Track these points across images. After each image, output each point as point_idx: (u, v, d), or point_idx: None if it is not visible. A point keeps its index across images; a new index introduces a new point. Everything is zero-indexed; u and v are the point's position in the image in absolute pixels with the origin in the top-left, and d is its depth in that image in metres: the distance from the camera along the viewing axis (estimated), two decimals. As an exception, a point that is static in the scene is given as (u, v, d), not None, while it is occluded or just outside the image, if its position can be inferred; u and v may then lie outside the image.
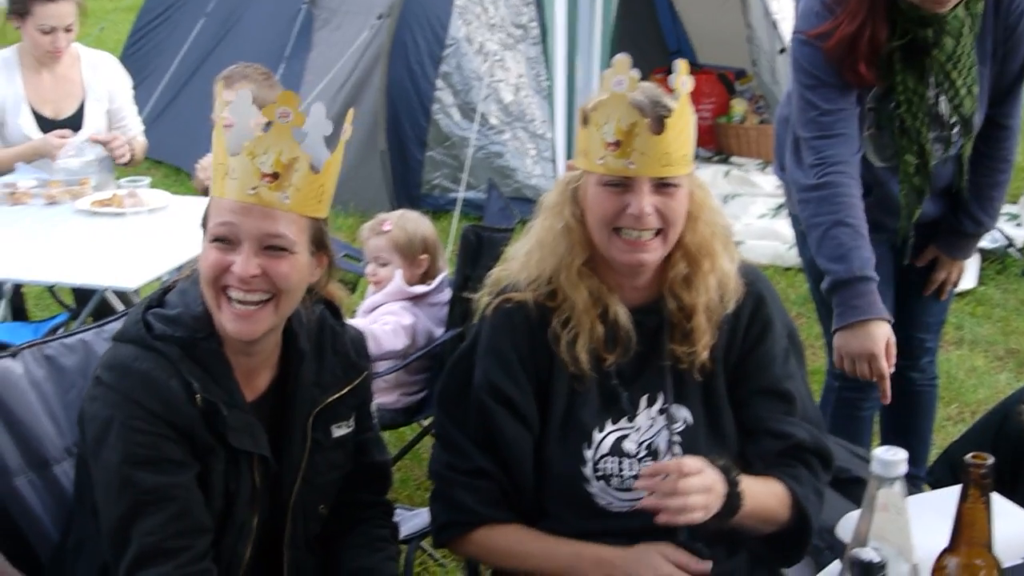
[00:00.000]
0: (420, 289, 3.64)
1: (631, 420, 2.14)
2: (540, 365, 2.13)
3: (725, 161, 8.37)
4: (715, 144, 8.66)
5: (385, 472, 2.31)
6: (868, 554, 1.32)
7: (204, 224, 1.96)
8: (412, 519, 2.62)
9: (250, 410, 2.02)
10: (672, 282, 2.11)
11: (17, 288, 4.49)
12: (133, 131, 4.75)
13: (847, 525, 2.08)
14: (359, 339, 2.22)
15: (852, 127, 2.80)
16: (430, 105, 7.15)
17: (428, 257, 3.65)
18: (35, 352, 2.26)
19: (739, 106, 8.59)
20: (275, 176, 1.85)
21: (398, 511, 2.69)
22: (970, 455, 1.51)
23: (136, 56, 8.71)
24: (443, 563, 3.59)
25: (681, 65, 2.00)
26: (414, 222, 3.68)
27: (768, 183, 7.81)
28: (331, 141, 1.92)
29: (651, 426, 2.14)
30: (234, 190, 1.87)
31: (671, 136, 1.98)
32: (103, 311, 3.69)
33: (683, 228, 2.08)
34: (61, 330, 4.05)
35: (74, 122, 4.58)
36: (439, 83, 7.15)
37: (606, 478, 2.13)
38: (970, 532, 1.54)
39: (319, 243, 1.99)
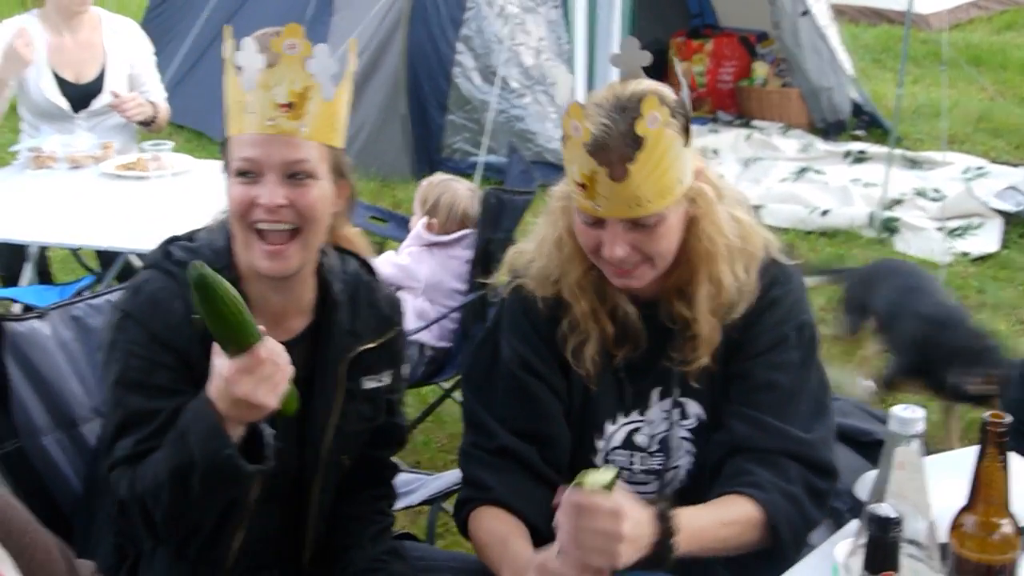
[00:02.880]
0: (433, 238, 3.79)
1: (643, 413, 2.11)
2: (558, 352, 2.09)
3: (747, 125, 8.33)
4: (736, 108, 8.63)
5: (401, 436, 2.33)
6: (885, 509, 1.32)
7: (226, 166, 1.98)
8: (434, 482, 2.64)
9: None
10: (669, 291, 2.04)
11: (42, 251, 4.52)
12: (155, 97, 4.75)
13: (865, 484, 2.09)
14: (393, 296, 2.24)
15: None
16: (451, 68, 7.14)
17: (442, 222, 3.81)
18: (62, 313, 2.30)
19: (760, 69, 8.55)
20: (290, 106, 1.88)
21: (420, 476, 2.73)
22: (988, 414, 1.52)
23: (158, 21, 8.70)
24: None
25: (648, 101, 1.82)
26: (441, 188, 3.83)
27: (789, 147, 7.78)
28: (337, 76, 1.95)
29: (664, 419, 2.10)
30: (252, 123, 1.90)
31: (638, 179, 1.85)
32: (127, 274, 3.72)
33: (682, 239, 1.98)
34: (86, 292, 4.08)
35: (95, 86, 4.59)
36: (459, 46, 7.14)
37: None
38: (988, 491, 1.54)
39: (339, 171, 2.02)
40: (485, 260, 3.50)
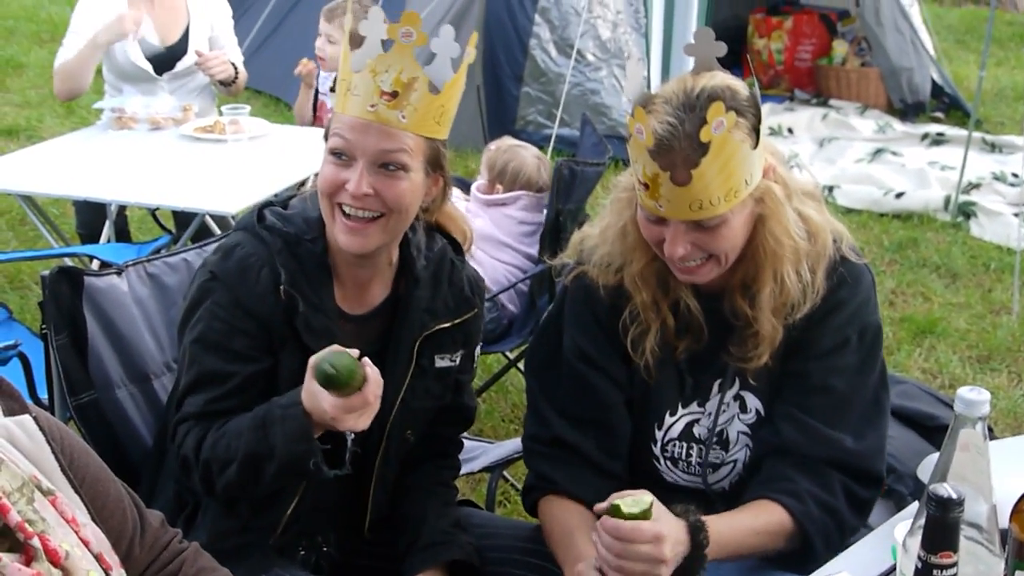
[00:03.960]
0: (486, 196, 3.87)
1: (702, 405, 2.09)
2: (620, 341, 2.07)
3: (824, 104, 8.23)
4: (814, 86, 8.52)
5: (469, 416, 2.35)
6: (946, 489, 1.32)
7: (326, 135, 2.00)
8: (495, 450, 2.66)
9: (353, 321, 2.08)
10: (734, 286, 2.01)
11: (121, 210, 4.61)
12: (234, 59, 4.81)
13: (927, 466, 2.08)
14: (477, 278, 2.25)
15: None
16: (527, 40, 7.13)
17: (507, 187, 3.88)
18: (139, 270, 2.35)
19: (840, 48, 8.43)
20: (394, 95, 1.88)
21: (482, 443, 2.75)
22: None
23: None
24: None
25: (715, 107, 1.77)
26: (509, 154, 3.86)
27: (866, 127, 7.68)
28: (455, 63, 1.94)
29: (723, 411, 2.08)
30: (354, 106, 1.91)
31: (701, 184, 1.82)
32: (202, 235, 3.77)
33: (747, 238, 1.95)
34: (163, 251, 4.16)
35: (179, 48, 4.65)
36: (537, 18, 7.12)
37: (673, 460, 2.11)
38: (1052, 477, 1.53)
39: (435, 163, 2.02)
40: (555, 231, 3.51)
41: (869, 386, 2.05)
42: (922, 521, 1.44)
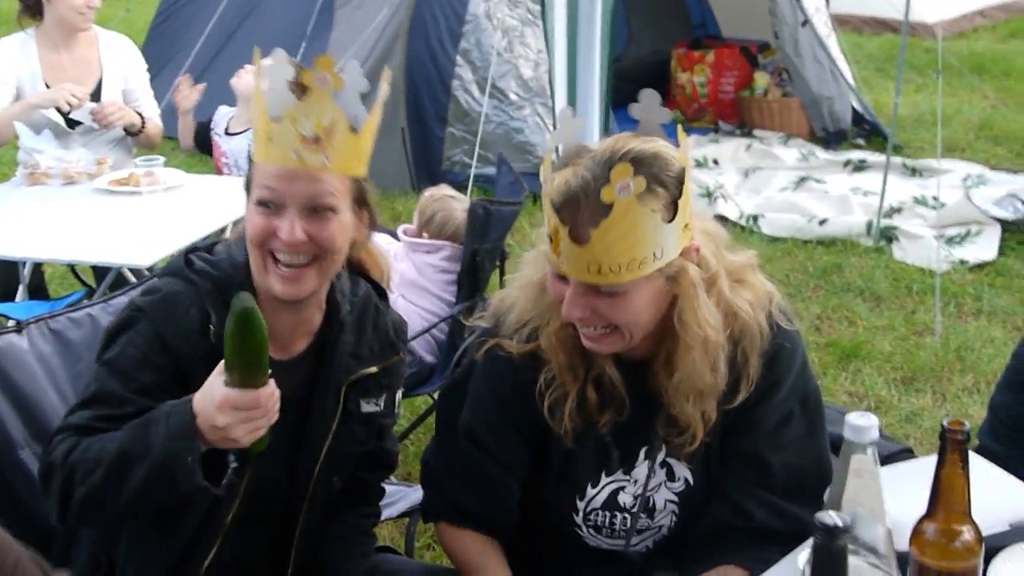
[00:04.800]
0: (411, 240, 3.88)
1: (628, 473, 2.04)
2: (533, 416, 2.01)
3: (748, 134, 8.34)
4: (738, 118, 8.63)
5: (392, 461, 2.34)
6: (831, 517, 1.32)
7: (247, 187, 1.99)
8: (413, 494, 2.62)
9: (279, 367, 2.01)
10: (658, 364, 1.95)
11: (37, 267, 4.55)
12: (148, 113, 4.78)
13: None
14: (400, 323, 2.24)
15: None
16: (450, 81, 7.16)
17: (433, 236, 3.87)
18: (41, 327, 2.30)
19: (761, 79, 8.56)
20: (316, 140, 1.87)
21: (402, 487, 2.72)
22: (947, 420, 1.52)
23: (162, 37, 8.75)
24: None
25: (621, 168, 1.71)
26: (439, 204, 3.89)
27: (790, 156, 7.79)
28: (366, 100, 1.94)
29: (649, 478, 2.03)
30: (276, 155, 1.89)
31: (600, 247, 1.74)
32: (118, 287, 3.72)
33: (662, 315, 1.89)
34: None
35: (92, 101, 4.60)
36: (459, 59, 7.15)
37: (596, 528, 2.08)
38: (948, 498, 1.54)
39: (360, 200, 2.02)
40: (472, 271, 3.51)
41: (819, 443, 2.06)
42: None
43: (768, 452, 2.00)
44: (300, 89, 1.87)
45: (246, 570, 2.11)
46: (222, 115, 4.82)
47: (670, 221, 1.78)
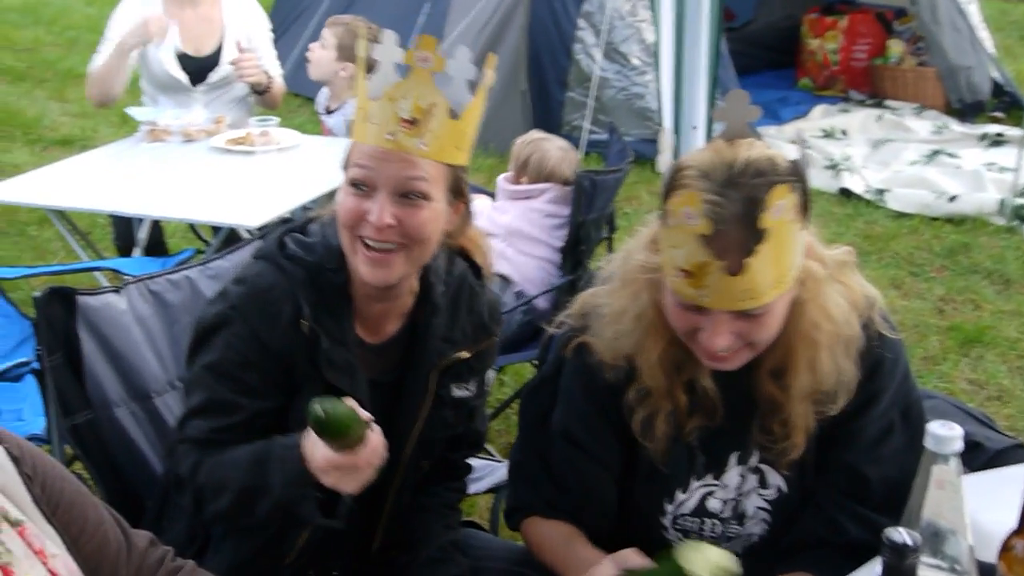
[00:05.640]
0: (511, 187, 3.87)
1: (718, 478, 1.97)
2: (619, 420, 1.95)
3: (879, 104, 8.08)
4: (870, 86, 8.38)
5: (479, 440, 2.32)
6: (901, 535, 1.26)
7: (345, 165, 1.95)
8: (501, 469, 2.61)
9: (370, 351, 2.04)
10: (761, 373, 1.87)
11: (156, 222, 4.64)
12: (272, 72, 4.83)
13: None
14: (495, 304, 2.20)
15: None
16: (572, 45, 7.09)
17: (531, 179, 3.86)
18: (140, 287, 2.33)
19: (896, 47, 8.29)
20: (413, 122, 1.83)
21: (490, 462, 2.71)
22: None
23: (290, -6, 8.88)
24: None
25: (777, 191, 1.62)
26: (532, 147, 3.86)
27: (923, 128, 7.53)
28: (473, 85, 1.89)
29: (741, 484, 1.97)
30: (372, 135, 1.86)
31: (754, 273, 1.65)
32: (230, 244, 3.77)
33: (785, 320, 1.80)
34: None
35: (213, 59, 4.68)
36: (581, 23, 7.08)
37: (685, 532, 2.01)
38: (1042, 513, 1.46)
39: (457, 191, 1.97)
40: (576, 243, 3.47)
41: (919, 460, 1.97)
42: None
43: (866, 465, 1.92)
44: (400, 67, 1.84)
45: (334, 542, 2.11)
46: (323, 95, 4.85)
47: (804, 227, 1.72)
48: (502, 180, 3.93)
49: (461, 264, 2.14)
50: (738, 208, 1.64)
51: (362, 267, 1.92)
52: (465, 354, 2.10)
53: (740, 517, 2.00)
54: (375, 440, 1.81)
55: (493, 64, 1.90)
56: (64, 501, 1.55)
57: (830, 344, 1.82)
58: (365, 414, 1.80)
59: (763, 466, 1.97)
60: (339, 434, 1.76)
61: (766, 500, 1.99)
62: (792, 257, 1.70)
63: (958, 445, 1.42)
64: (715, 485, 1.98)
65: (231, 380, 1.95)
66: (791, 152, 1.75)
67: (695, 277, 1.67)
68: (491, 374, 2.25)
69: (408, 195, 1.88)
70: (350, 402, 1.78)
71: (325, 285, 1.97)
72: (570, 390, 2.00)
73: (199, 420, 1.97)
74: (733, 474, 1.97)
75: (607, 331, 1.91)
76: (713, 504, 1.99)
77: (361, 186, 1.89)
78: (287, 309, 1.93)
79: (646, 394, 1.90)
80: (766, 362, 1.85)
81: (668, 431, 1.91)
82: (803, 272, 1.77)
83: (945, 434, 1.42)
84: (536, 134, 3.97)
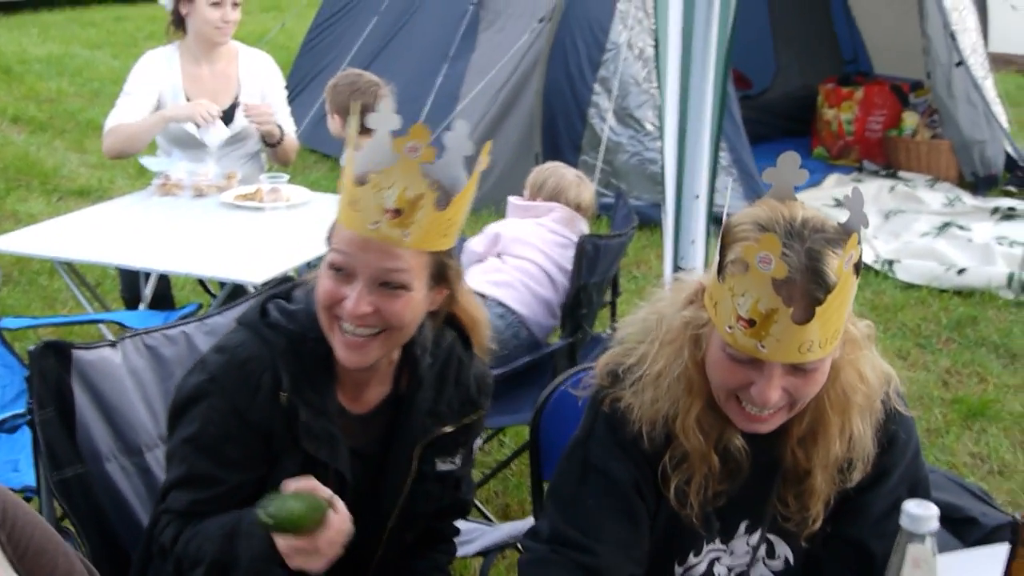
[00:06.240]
0: (520, 203, 3.97)
1: (725, 543, 1.96)
2: (655, 481, 1.92)
3: (893, 175, 8.09)
4: (884, 158, 8.40)
5: (465, 509, 2.31)
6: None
7: (328, 241, 1.94)
8: (492, 533, 2.60)
9: (353, 420, 2.04)
10: (792, 437, 1.86)
11: (162, 276, 4.67)
12: (285, 128, 4.87)
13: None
14: (484, 375, 2.18)
15: None
16: (587, 109, 7.15)
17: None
18: (136, 342, 2.36)
19: (911, 119, 8.31)
20: (397, 212, 1.80)
21: (480, 526, 2.70)
22: (1020, 513, 1.43)
23: (314, 50, 9.00)
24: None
25: (851, 240, 1.63)
26: (548, 172, 3.99)
27: (935, 200, 7.53)
28: (469, 162, 1.86)
29: (746, 554, 1.96)
30: (357, 222, 1.83)
31: (819, 324, 1.65)
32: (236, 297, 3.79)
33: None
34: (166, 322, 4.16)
35: (227, 116, 4.72)
36: (596, 87, 7.14)
37: None
38: (1018, 593, 1.46)
39: (439, 277, 1.95)
40: (576, 305, 3.48)
41: None
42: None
43: (872, 540, 1.91)
44: (389, 158, 1.80)
45: None
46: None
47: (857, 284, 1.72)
48: (513, 197, 3.99)
49: (450, 335, 2.12)
50: (803, 259, 1.67)
51: (339, 350, 1.92)
52: (449, 428, 2.09)
53: None
54: (336, 521, 1.81)
55: (488, 150, 1.84)
56: (33, 548, 1.56)
57: (862, 409, 1.83)
58: (325, 492, 1.81)
59: (772, 536, 1.96)
60: (292, 530, 1.79)
61: (772, 572, 1.98)
62: (848, 311, 1.71)
63: (934, 524, 1.42)
64: (721, 550, 1.98)
65: (211, 454, 1.95)
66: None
67: (758, 326, 1.66)
68: (478, 441, 2.23)
69: (387, 284, 1.87)
70: (305, 484, 1.80)
71: (307, 354, 1.96)
72: (607, 448, 1.93)
73: (180, 492, 1.98)
74: (740, 542, 1.97)
75: (646, 394, 1.89)
76: (719, 570, 1.98)
77: (341, 269, 1.88)
78: (266, 380, 1.93)
79: (682, 459, 1.88)
80: (796, 428, 1.86)
81: (700, 497, 1.89)
82: (847, 332, 1.78)
83: (921, 513, 1.41)
84: (553, 163, 4.09)
